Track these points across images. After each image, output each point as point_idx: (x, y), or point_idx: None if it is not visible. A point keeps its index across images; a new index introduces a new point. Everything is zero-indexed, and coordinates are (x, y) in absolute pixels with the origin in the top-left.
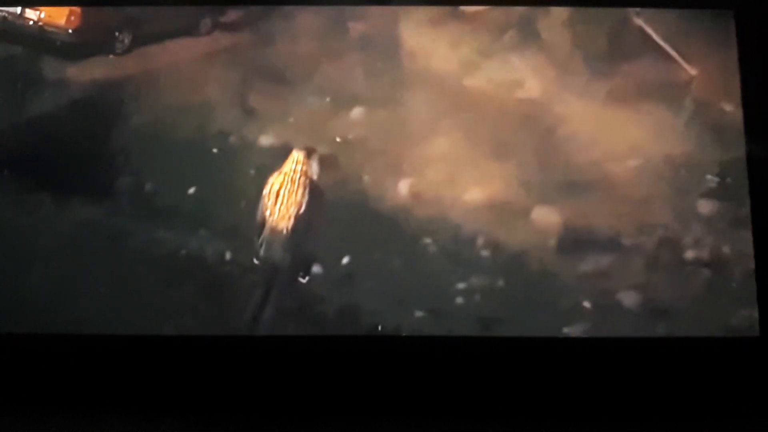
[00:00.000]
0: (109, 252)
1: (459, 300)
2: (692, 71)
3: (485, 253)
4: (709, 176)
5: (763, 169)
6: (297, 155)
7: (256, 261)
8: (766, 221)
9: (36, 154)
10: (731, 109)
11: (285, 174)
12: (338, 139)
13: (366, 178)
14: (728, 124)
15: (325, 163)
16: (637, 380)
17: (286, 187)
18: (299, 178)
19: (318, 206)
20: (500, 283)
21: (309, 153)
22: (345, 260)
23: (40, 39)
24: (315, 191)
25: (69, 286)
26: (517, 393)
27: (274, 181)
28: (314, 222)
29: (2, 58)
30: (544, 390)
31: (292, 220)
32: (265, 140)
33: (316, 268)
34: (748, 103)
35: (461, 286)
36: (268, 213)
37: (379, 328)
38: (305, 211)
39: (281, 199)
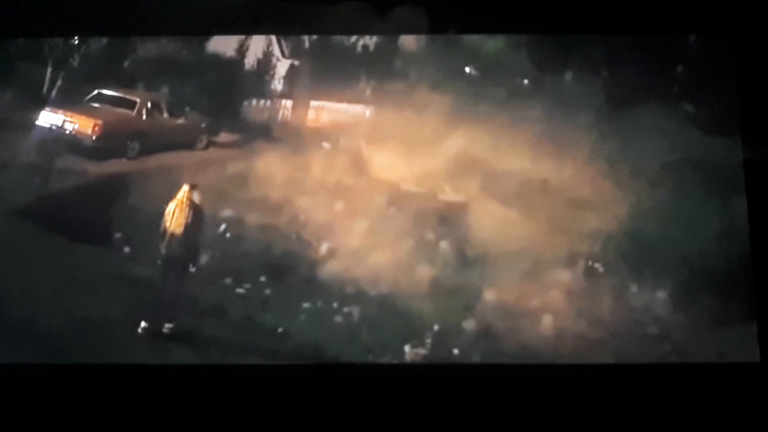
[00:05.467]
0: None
1: (338, 318)
2: None
3: (372, 292)
4: (589, 262)
5: (764, 211)
6: (185, 187)
7: (159, 261)
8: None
9: (54, 216)
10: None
11: (178, 200)
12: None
13: (300, 241)
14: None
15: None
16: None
17: (178, 208)
18: (187, 202)
19: (198, 220)
20: (375, 310)
21: (193, 186)
22: (267, 291)
23: (72, 142)
24: (196, 210)
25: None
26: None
27: (171, 205)
28: (196, 229)
29: (42, 151)
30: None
31: (182, 228)
32: (227, 212)
33: (240, 290)
34: (746, 123)
35: (345, 309)
36: (167, 224)
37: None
38: (190, 222)
39: (175, 216)
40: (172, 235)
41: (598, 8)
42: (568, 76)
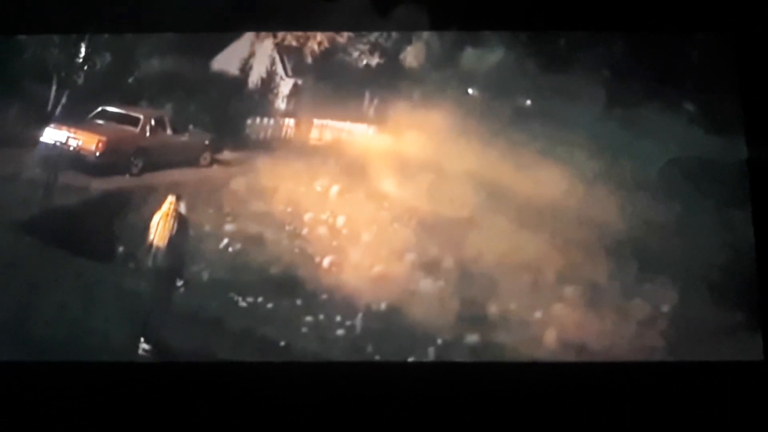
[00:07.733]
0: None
1: (340, 332)
2: None
3: (375, 306)
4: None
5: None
6: (171, 198)
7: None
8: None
9: (58, 231)
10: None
11: (162, 212)
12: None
13: (303, 255)
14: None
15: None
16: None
17: (164, 219)
18: (172, 213)
19: (184, 231)
20: (378, 324)
21: (178, 197)
22: (269, 305)
23: (76, 158)
24: (182, 221)
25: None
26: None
27: (156, 216)
28: (181, 242)
29: (46, 167)
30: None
31: (165, 240)
32: (229, 228)
33: (243, 303)
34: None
35: (347, 323)
36: (152, 236)
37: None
38: (174, 234)
39: (160, 227)
40: (158, 248)
41: (599, 7)
42: (569, 77)
